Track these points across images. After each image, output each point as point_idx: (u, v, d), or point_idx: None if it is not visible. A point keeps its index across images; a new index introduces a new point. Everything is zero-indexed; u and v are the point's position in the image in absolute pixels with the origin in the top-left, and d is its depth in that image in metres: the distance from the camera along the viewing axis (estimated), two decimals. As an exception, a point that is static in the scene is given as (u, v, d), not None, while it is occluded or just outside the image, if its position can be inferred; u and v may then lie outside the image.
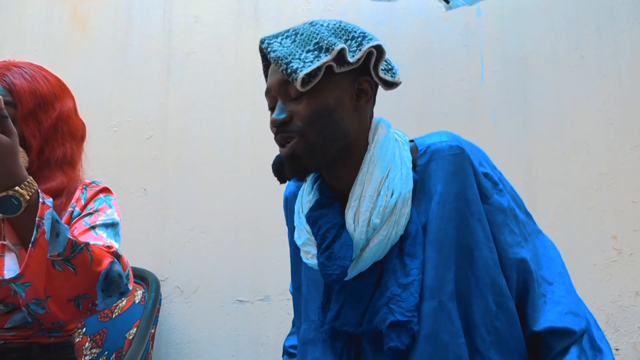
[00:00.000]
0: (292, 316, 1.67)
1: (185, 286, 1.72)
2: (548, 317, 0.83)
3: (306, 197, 0.93)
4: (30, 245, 0.86)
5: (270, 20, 1.87)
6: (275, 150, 1.92)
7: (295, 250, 1.01)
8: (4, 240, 0.91)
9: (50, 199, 0.92)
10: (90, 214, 1.07)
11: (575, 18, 1.79)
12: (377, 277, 0.85)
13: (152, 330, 1.42)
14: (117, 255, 1.00)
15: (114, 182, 1.74)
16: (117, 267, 0.98)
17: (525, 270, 0.85)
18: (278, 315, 1.70)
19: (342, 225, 0.85)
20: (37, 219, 0.87)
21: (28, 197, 0.87)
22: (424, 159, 0.88)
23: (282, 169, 0.92)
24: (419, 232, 0.84)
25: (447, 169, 0.86)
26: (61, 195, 1.08)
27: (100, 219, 1.07)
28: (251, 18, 1.87)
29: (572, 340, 0.82)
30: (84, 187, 1.12)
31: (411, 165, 0.87)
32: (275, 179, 0.93)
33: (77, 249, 0.92)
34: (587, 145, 1.72)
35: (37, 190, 0.90)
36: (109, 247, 1.00)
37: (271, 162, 0.94)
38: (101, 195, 1.13)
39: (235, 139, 1.80)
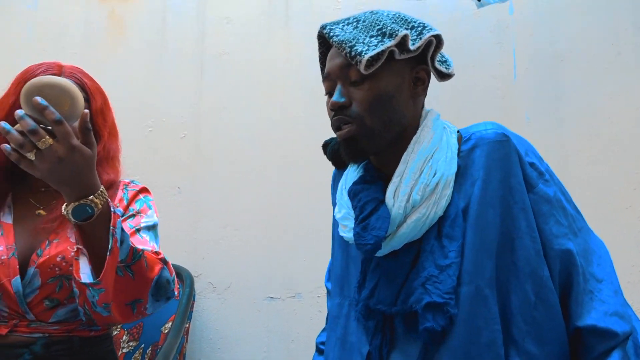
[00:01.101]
0: (322, 314, 1.70)
1: (218, 282, 1.75)
2: (592, 315, 0.81)
3: (351, 174, 0.94)
4: (108, 254, 0.90)
5: (301, 20, 1.89)
6: (305, 148, 1.94)
7: (335, 228, 1.02)
8: (78, 244, 0.95)
9: (120, 209, 0.96)
10: (133, 215, 1.11)
11: (612, 13, 1.75)
12: (413, 258, 0.85)
13: (187, 325, 1.46)
14: (165, 262, 1.04)
15: (150, 181, 1.78)
16: (166, 274, 1.02)
17: (570, 263, 0.83)
18: (309, 313, 1.72)
19: (382, 201, 0.85)
20: (111, 227, 0.91)
21: (100, 206, 0.91)
22: (468, 145, 0.88)
23: (337, 154, 0.95)
24: (458, 215, 0.84)
25: (492, 155, 0.85)
26: (112, 186, 1.14)
27: (142, 221, 1.11)
28: (282, 18, 1.89)
29: (614, 343, 0.79)
30: (124, 187, 1.17)
31: (456, 151, 0.87)
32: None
33: (137, 256, 0.96)
34: (623, 144, 1.68)
35: (108, 199, 0.93)
36: (157, 253, 1.04)
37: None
38: (141, 196, 1.17)
39: (266, 138, 1.82)
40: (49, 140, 0.84)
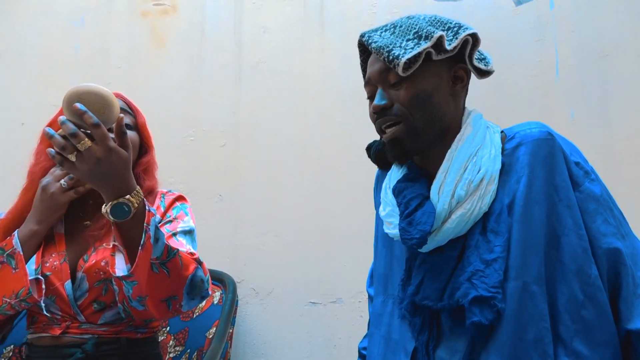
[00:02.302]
0: (364, 319, 1.69)
1: (260, 288, 1.78)
2: None
3: (395, 174, 0.97)
4: (140, 249, 0.96)
5: (336, 26, 1.90)
6: (342, 153, 1.94)
7: (379, 228, 1.04)
8: (114, 241, 1.02)
9: (154, 208, 1.00)
10: (170, 221, 1.16)
11: (660, 4, 1.68)
12: (458, 253, 0.86)
13: (230, 330, 1.49)
14: (199, 262, 1.08)
15: (192, 189, 1.84)
16: (200, 273, 1.06)
17: (619, 262, 0.82)
18: (350, 318, 1.72)
19: (427, 197, 0.87)
20: (144, 224, 0.97)
21: (137, 205, 0.97)
22: (512, 144, 0.89)
23: (380, 155, 0.99)
24: (503, 210, 0.84)
25: (536, 153, 0.86)
26: (151, 194, 1.21)
27: (179, 226, 1.16)
28: (317, 25, 1.91)
29: None
30: (162, 195, 1.24)
31: (500, 149, 0.89)
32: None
33: (172, 254, 1.00)
34: (676, 140, 1.61)
35: (143, 199, 1.00)
36: (191, 253, 1.08)
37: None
38: (178, 204, 1.23)
39: (303, 145, 1.84)
40: (87, 142, 0.90)
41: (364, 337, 1.15)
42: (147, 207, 0.98)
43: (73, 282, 1.07)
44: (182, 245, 1.11)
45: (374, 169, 1.78)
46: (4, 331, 1.16)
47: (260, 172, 1.84)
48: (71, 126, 0.89)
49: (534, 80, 1.77)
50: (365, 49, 0.98)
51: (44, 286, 1.05)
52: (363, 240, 1.75)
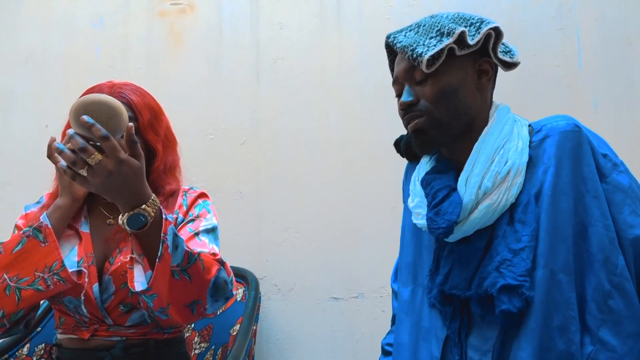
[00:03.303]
0: (386, 313, 1.70)
1: (282, 284, 1.79)
2: None
3: (424, 166, 1.00)
4: (157, 261, 0.95)
5: (353, 21, 1.88)
6: (362, 149, 1.94)
7: (406, 219, 1.07)
8: (133, 254, 1.00)
9: (171, 215, 1.01)
10: (192, 220, 1.15)
11: (687, -11, 1.63)
12: (486, 243, 0.88)
13: (254, 327, 1.50)
14: (222, 263, 1.07)
15: (213, 187, 1.85)
16: (223, 274, 1.05)
17: None
18: (372, 313, 1.73)
19: (454, 188, 0.90)
20: (162, 235, 0.95)
21: (153, 214, 0.96)
22: (539, 136, 0.91)
23: (409, 147, 1.03)
24: (531, 201, 0.86)
25: (563, 144, 0.87)
26: (173, 196, 1.19)
27: (202, 224, 1.15)
28: (334, 20, 1.90)
29: None
30: (184, 193, 1.21)
31: (527, 142, 0.90)
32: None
33: (192, 259, 0.99)
34: None
35: (160, 206, 0.98)
36: (214, 254, 1.08)
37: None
38: (200, 201, 1.21)
39: (324, 141, 1.84)
40: (97, 156, 0.88)
41: (388, 333, 1.16)
42: (164, 216, 0.97)
43: (100, 284, 1.08)
44: (204, 245, 1.11)
45: (394, 164, 1.78)
46: (28, 316, 1.12)
47: (280, 169, 1.85)
48: (80, 140, 0.87)
49: (557, 70, 1.73)
50: (392, 50, 1.01)
51: (86, 279, 1.05)
52: (384, 236, 1.76)
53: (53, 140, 1.03)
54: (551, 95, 1.72)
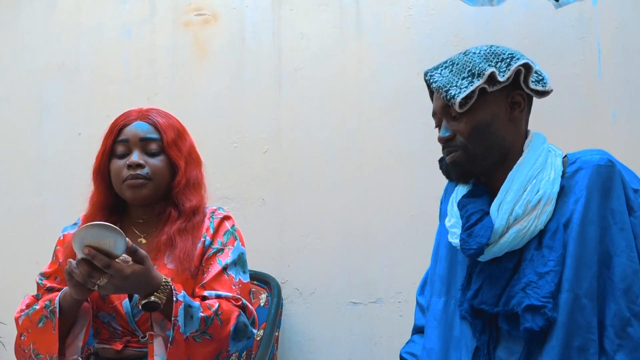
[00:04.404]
0: (403, 318, 1.76)
1: (304, 288, 1.86)
2: None
3: (462, 189, 1.08)
4: (169, 345, 1.06)
5: (372, 30, 1.91)
6: (382, 157, 1.98)
7: (442, 235, 1.14)
8: (152, 330, 1.11)
9: (182, 293, 1.09)
10: (221, 249, 1.23)
11: None
12: (514, 264, 0.96)
13: (276, 334, 1.58)
14: (242, 306, 1.17)
15: (236, 194, 1.93)
16: (243, 319, 1.16)
17: None
18: (390, 317, 1.78)
19: (487, 212, 0.98)
20: (173, 318, 1.07)
21: (164, 298, 1.08)
22: (573, 168, 0.97)
23: (450, 171, 1.09)
24: (559, 229, 0.93)
25: (595, 178, 0.93)
26: (198, 211, 1.27)
27: (230, 254, 1.23)
28: (353, 29, 1.93)
29: None
30: (211, 214, 1.29)
31: (561, 173, 0.97)
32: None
33: (209, 320, 1.11)
34: None
35: (171, 287, 1.09)
36: (236, 299, 1.16)
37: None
38: (228, 226, 1.29)
39: (343, 149, 1.88)
40: (104, 278, 1.01)
41: (408, 342, 1.22)
42: (174, 298, 1.08)
43: (130, 300, 1.17)
44: (231, 281, 1.20)
45: (412, 172, 1.83)
46: None
47: (301, 177, 1.90)
48: (85, 270, 1.00)
49: (576, 79, 1.74)
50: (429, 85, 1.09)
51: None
52: (402, 243, 1.80)
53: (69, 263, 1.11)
54: (570, 105, 1.73)
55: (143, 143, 1.23)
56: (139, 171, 1.20)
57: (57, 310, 1.12)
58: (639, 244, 0.90)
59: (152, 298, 1.06)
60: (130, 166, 1.20)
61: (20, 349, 1.15)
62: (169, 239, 1.20)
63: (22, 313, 1.19)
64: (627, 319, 0.87)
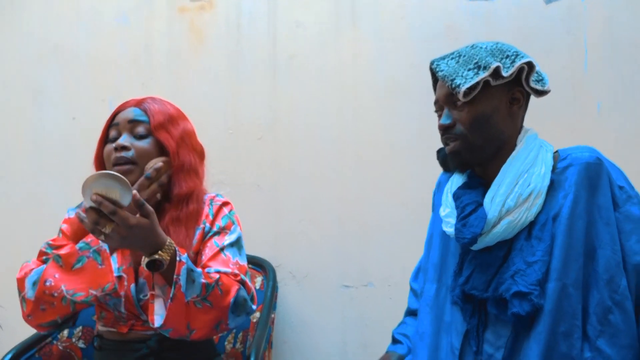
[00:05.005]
0: (393, 301, 1.83)
1: (297, 271, 1.92)
2: None
3: (457, 180, 1.13)
4: (170, 301, 1.09)
5: (368, 20, 1.94)
6: (376, 146, 2.02)
7: (435, 225, 1.19)
8: (153, 290, 1.15)
9: (185, 255, 1.12)
10: (218, 232, 1.27)
11: (695, -4, 1.67)
12: (505, 253, 1.01)
13: (272, 316, 1.64)
14: (242, 282, 1.20)
15: (232, 180, 1.97)
16: (243, 293, 1.19)
17: None
18: (380, 300, 1.85)
19: (481, 204, 1.03)
20: (174, 276, 1.09)
21: (168, 258, 1.10)
22: (563, 164, 1.03)
23: (446, 161, 1.15)
24: (548, 221, 0.99)
25: (584, 174, 0.99)
26: (192, 198, 1.28)
27: (227, 237, 1.27)
28: (349, 18, 1.96)
29: None
30: (210, 202, 1.32)
31: (551, 168, 1.02)
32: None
33: (210, 287, 1.13)
34: (703, 135, 1.63)
35: (175, 249, 1.11)
36: (235, 274, 1.20)
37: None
38: (225, 211, 1.32)
39: (339, 137, 1.93)
40: (109, 226, 1.03)
41: (400, 324, 1.29)
42: (177, 258, 1.10)
43: (136, 284, 1.21)
44: (229, 260, 1.23)
45: (406, 161, 1.88)
46: (75, 317, 1.28)
47: (296, 164, 1.95)
48: (92, 217, 1.03)
49: (563, 72, 1.79)
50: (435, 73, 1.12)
51: (125, 283, 1.19)
52: (394, 229, 1.86)
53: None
54: (555, 96, 1.77)
55: (131, 125, 1.24)
56: (123, 153, 1.21)
57: (105, 246, 1.17)
58: (622, 237, 0.97)
59: (156, 256, 1.08)
60: (116, 149, 1.21)
61: (45, 295, 1.15)
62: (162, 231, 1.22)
63: (37, 267, 1.19)
64: (608, 307, 0.93)
